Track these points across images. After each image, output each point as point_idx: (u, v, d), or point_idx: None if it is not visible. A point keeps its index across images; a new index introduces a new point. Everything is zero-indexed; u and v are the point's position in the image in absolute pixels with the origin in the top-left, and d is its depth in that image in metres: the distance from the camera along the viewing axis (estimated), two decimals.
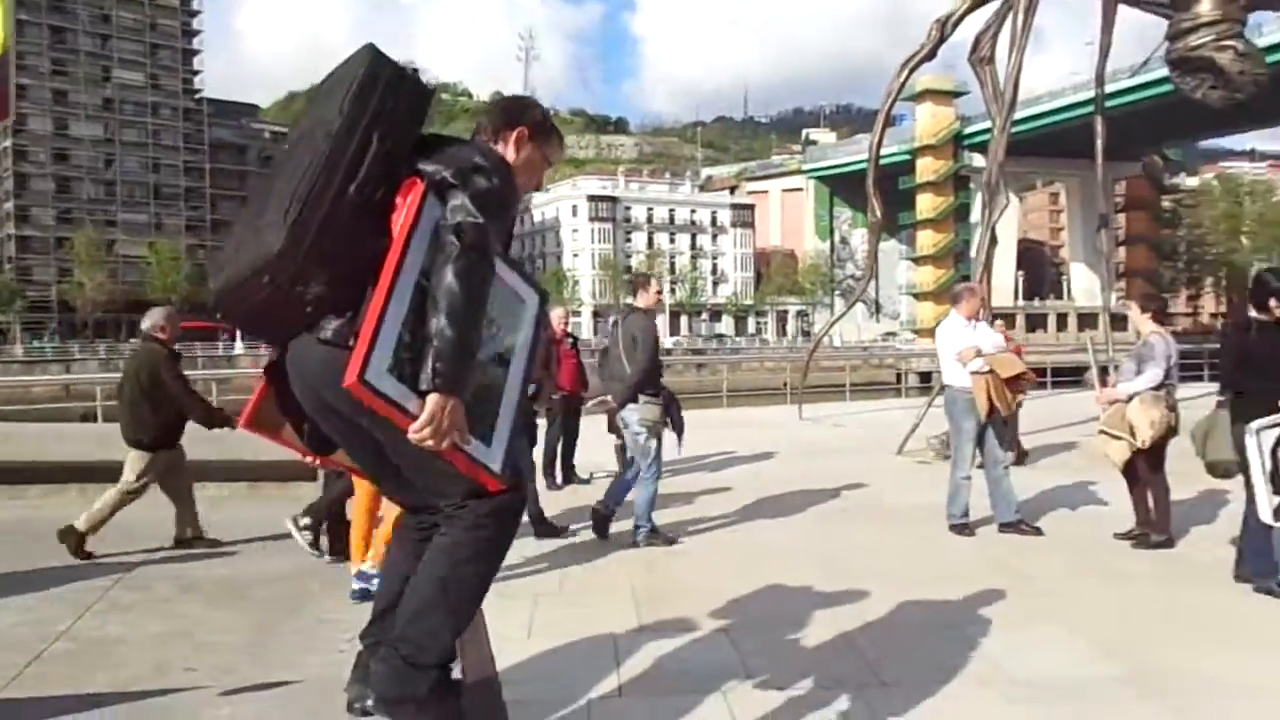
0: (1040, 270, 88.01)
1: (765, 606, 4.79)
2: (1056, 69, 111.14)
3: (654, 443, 6.27)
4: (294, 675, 3.84)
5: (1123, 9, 12.83)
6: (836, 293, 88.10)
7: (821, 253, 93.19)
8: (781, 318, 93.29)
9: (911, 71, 14.07)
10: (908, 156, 77.35)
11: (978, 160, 77.89)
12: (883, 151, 14.77)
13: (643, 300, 6.49)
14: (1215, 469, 5.45)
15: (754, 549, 6.13)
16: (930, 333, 66.63)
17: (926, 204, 77.96)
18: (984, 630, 4.39)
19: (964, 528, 6.46)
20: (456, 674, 2.45)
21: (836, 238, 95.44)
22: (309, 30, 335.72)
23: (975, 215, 79.38)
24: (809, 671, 3.83)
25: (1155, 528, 6.13)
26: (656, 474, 6.29)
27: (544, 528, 6.42)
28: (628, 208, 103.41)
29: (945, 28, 13.34)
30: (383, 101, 2.12)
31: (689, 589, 5.08)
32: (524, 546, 5.94)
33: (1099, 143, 16.01)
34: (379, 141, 2.09)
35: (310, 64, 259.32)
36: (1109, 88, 15.46)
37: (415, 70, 2.24)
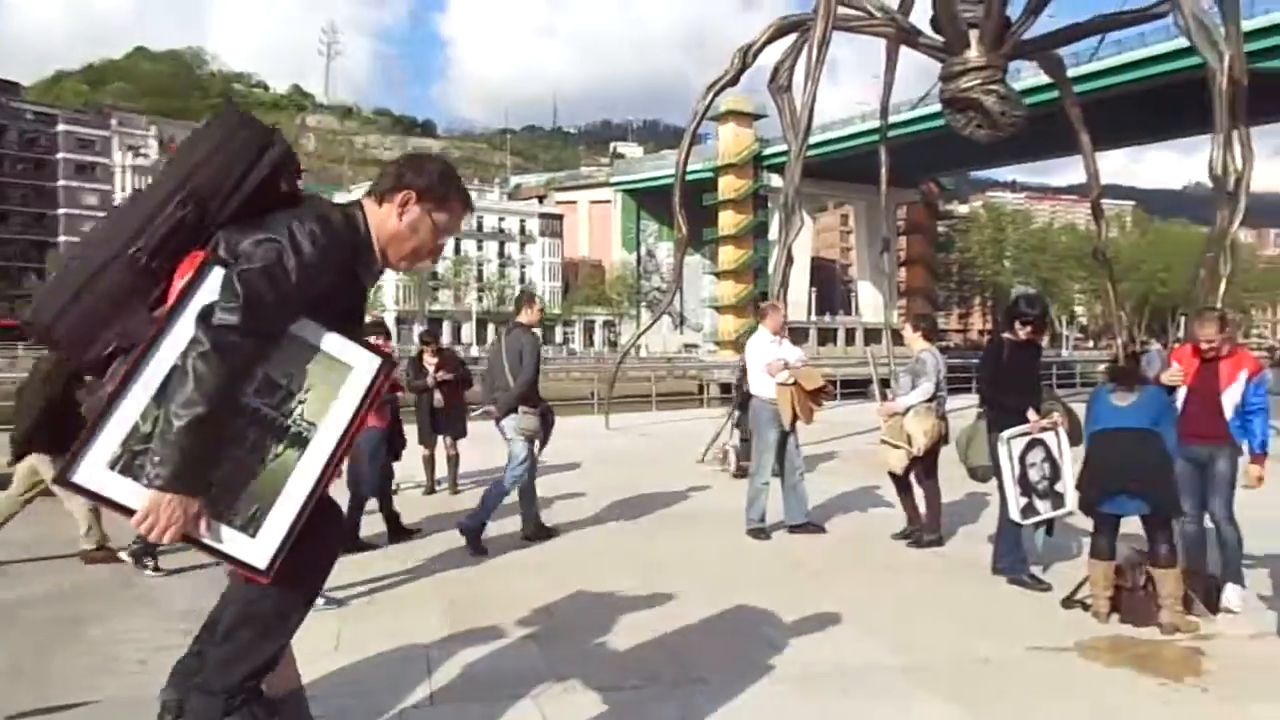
0: (832, 287, 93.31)
1: (576, 612, 4.91)
2: (846, 99, 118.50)
3: (524, 450, 6.55)
4: (90, 697, 3.63)
5: (905, 49, 13.95)
6: (643, 304, 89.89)
7: (628, 264, 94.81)
8: (589, 328, 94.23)
9: (716, 95, 14.71)
10: (711, 174, 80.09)
11: (775, 180, 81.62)
12: (688, 169, 15.39)
13: (525, 317, 6.80)
14: (975, 473, 6.04)
15: (563, 557, 6.24)
16: (731, 345, 68.75)
17: (728, 221, 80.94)
18: (780, 626, 4.69)
19: (760, 531, 6.83)
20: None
21: (643, 250, 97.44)
22: (82, 5, 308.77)
23: (774, 233, 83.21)
24: (619, 672, 3.98)
25: (927, 527, 6.71)
26: (521, 479, 6.58)
27: (355, 544, 6.28)
28: None
29: (747, 56, 14.03)
30: (200, 166, 2.02)
31: (500, 598, 5.12)
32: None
33: (884, 170, 17.26)
34: (179, 207, 1.99)
35: (83, 42, 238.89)
36: (892, 119, 16.79)
37: (265, 134, 2.11)
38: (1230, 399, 5.02)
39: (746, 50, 14.12)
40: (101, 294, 1.96)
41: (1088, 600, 4.97)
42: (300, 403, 2.00)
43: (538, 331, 6.92)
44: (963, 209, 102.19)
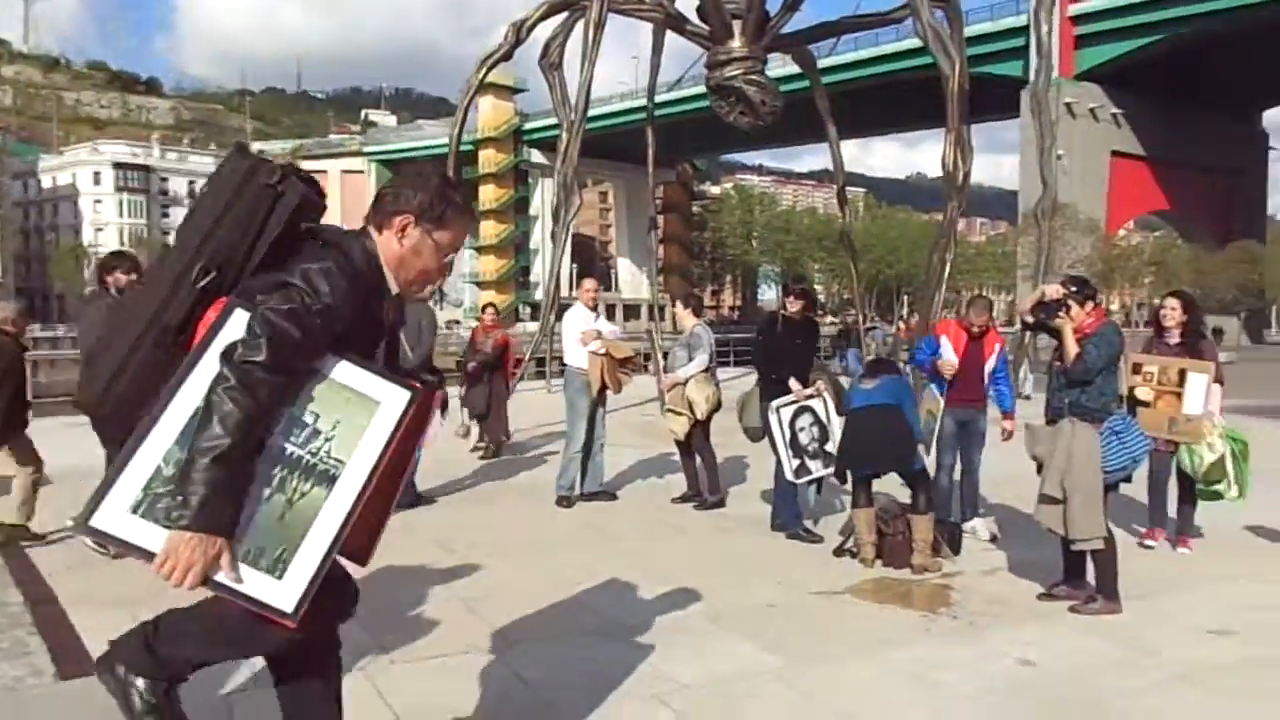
0: (592, 264, 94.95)
1: (390, 587, 4.90)
2: (606, 77, 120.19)
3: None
4: None
5: (670, 34, 14.51)
6: None
7: None
8: None
9: (490, 69, 14.67)
10: (471, 147, 79.01)
11: (536, 155, 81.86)
12: (445, 141, 15.23)
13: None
14: (750, 434, 6.60)
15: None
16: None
17: (489, 195, 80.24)
18: (588, 587, 4.95)
19: (566, 500, 7.07)
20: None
21: None
22: None
23: (535, 208, 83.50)
24: (442, 641, 4.08)
25: (709, 489, 7.21)
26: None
27: None
28: (164, 179, 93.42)
29: (520, 31, 14.09)
30: (214, 230, 1.98)
31: None
32: None
33: (650, 151, 17.88)
34: (201, 276, 1.96)
35: None
36: (641, 102, 17.47)
37: (275, 181, 2.01)
38: (988, 368, 5.90)
39: (520, 25, 14.18)
40: (139, 372, 1.94)
41: (854, 549, 5.58)
42: (328, 440, 1.95)
43: (432, 305, 6.99)
44: (715, 190, 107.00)
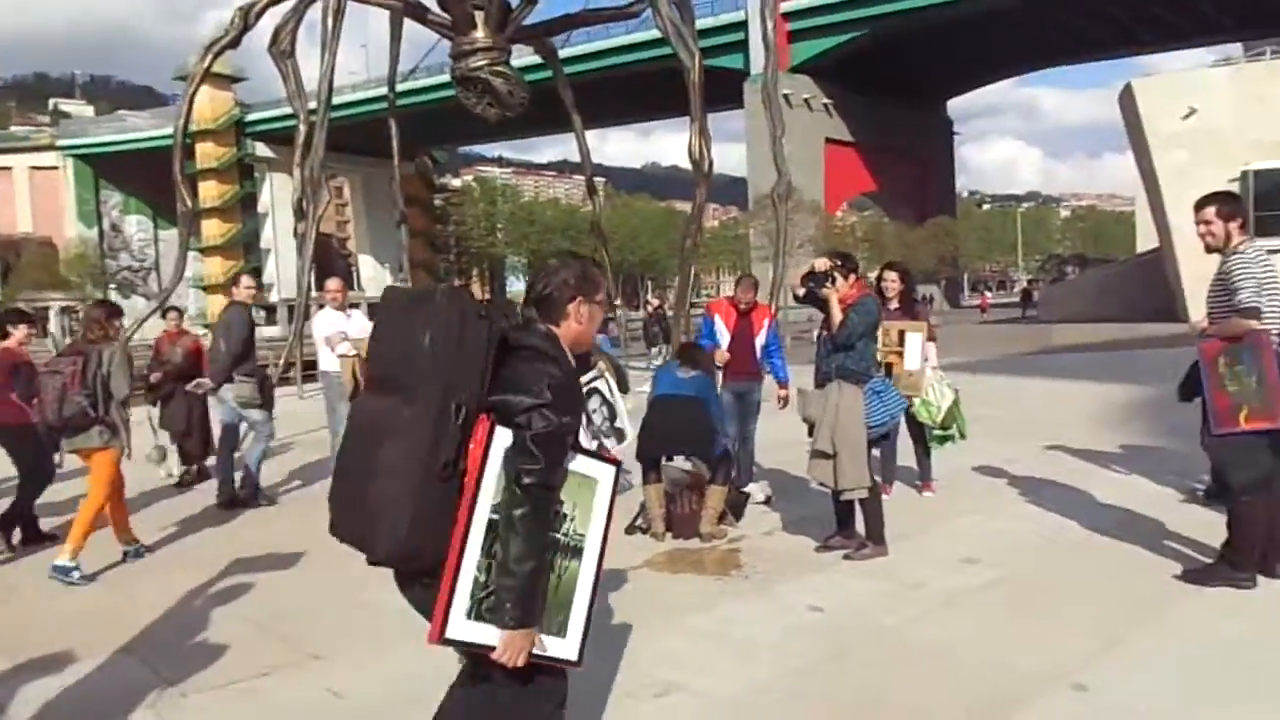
0: (330, 261, 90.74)
1: (166, 616, 4.54)
2: (337, 68, 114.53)
3: (257, 413, 7.18)
4: None
5: (409, 22, 14.17)
6: (111, 286, 79.48)
7: (89, 241, 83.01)
8: (41, 316, 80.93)
9: (216, 56, 13.54)
10: (186, 140, 73.14)
11: (261, 149, 77.05)
12: (157, 134, 14.02)
13: (236, 294, 7.72)
14: None
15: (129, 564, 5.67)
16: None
17: (211, 192, 74.45)
18: (385, 592, 4.79)
19: None
20: None
21: (106, 224, 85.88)
22: None
23: (264, 205, 78.58)
24: (234, 666, 3.84)
25: None
26: (269, 435, 7.32)
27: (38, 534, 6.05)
28: None
29: (249, 16, 13.16)
30: (456, 379, 2.19)
31: (67, 616, 4.56)
32: None
33: (395, 143, 17.33)
34: (455, 417, 2.18)
35: None
36: (380, 91, 16.90)
37: (483, 313, 2.24)
38: (759, 342, 6.25)
39: (248, 10, 13.17)
40: (430, 510, 2.17)
41: (643, 525, 5.78)
42: (571, 520, 2.32)
43: (251, 305, 7.52)
44: (456, 183, 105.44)
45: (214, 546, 5.93)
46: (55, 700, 3.57)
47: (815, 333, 5.41)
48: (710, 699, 3.44)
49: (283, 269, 78.65)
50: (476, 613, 2.20)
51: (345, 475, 2.45)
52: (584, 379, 6.16)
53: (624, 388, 6.41)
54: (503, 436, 2.19)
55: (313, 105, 12.92)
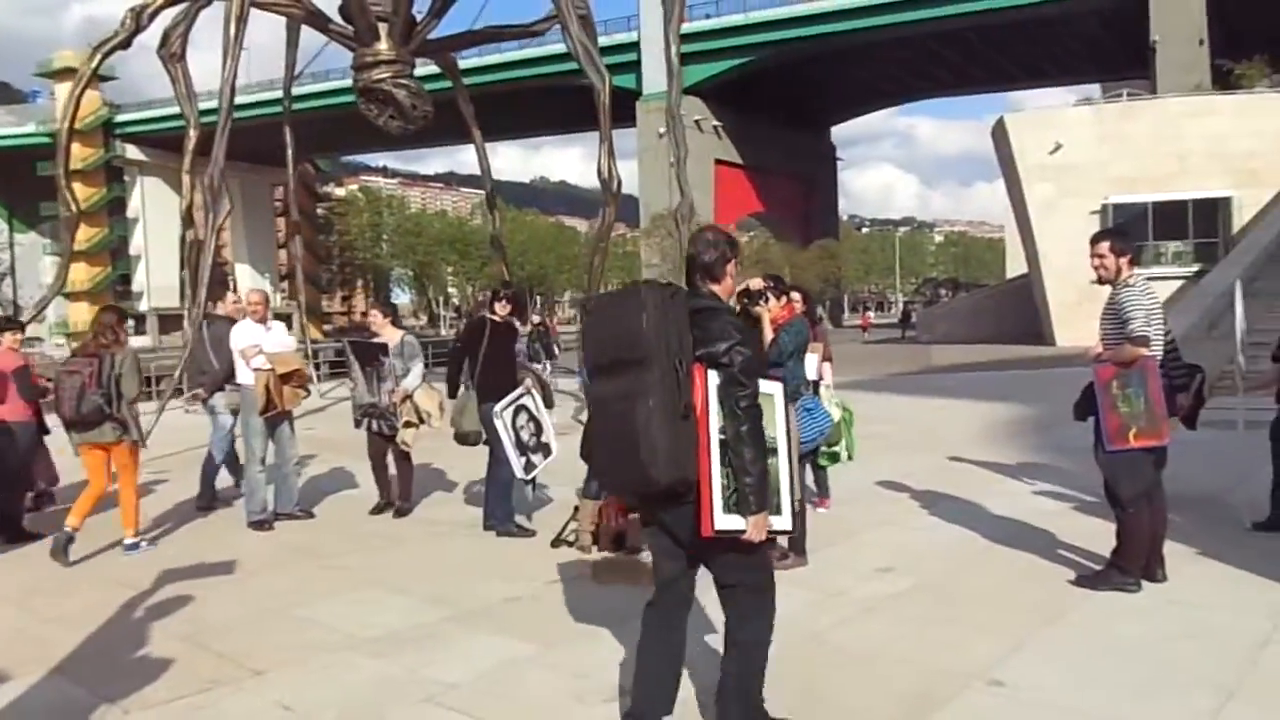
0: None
1: (95, 636, 4.42)
2: (208, 70, 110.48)
3: (230, 421, 7.50)
4: None
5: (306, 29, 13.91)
6: None
7: None
8: None
9: (105, 58, 13.11)
10: (47, 140, 69.11)
11: (133, 151, 73.59)
12: (16, 132, 13.31)
13: (222, 309, 8.19)
14: (466, 439, 6.63)
15: (61, 574, 5.45)
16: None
17: (77, 194, 70.85)
18: (319, 604, 4.80)
19: (261, 524, 6.63)
20: None
21: None
22: None
23: (133, 209, 74.96)
24: (175, 682, 3.80)
25: (402, 496, 7.16)
26: (227, 446, 7.62)
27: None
28: None
29: (141, 18, 12.75)
30: (674, 341, 2.87)
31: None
32: None
33: (290, 151, 17.00)
34: (681, 366, 2.86)
35: None
36: (261, 96, 16.47)
37: (675, 291, 2.98)
38: None
39: (140, 11, 12.79)
40: (680, 443, 2.87)
41: (570, 538, 5.89)
42: (767, 427, 3.02)
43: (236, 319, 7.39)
44: (340, 192, 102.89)
45: (134, 564, 5.75)
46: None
47: None
48: None
49: (154, 276, 75.26)
50: (725, 508, 2.89)
51: (607, 439, 3.03)
52: (511, 395, 6.27)
53: (549, 403, 6.52)
54: (714, 377, 2.91)
55: (206, 107, 12.61)
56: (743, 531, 2.90)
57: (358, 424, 7.08)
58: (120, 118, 72.64)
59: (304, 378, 7.09)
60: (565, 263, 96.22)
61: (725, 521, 2.90)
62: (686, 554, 3.11)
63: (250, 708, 3.58)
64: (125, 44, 13.27)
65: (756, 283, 5.09)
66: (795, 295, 6.67)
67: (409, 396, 6.90)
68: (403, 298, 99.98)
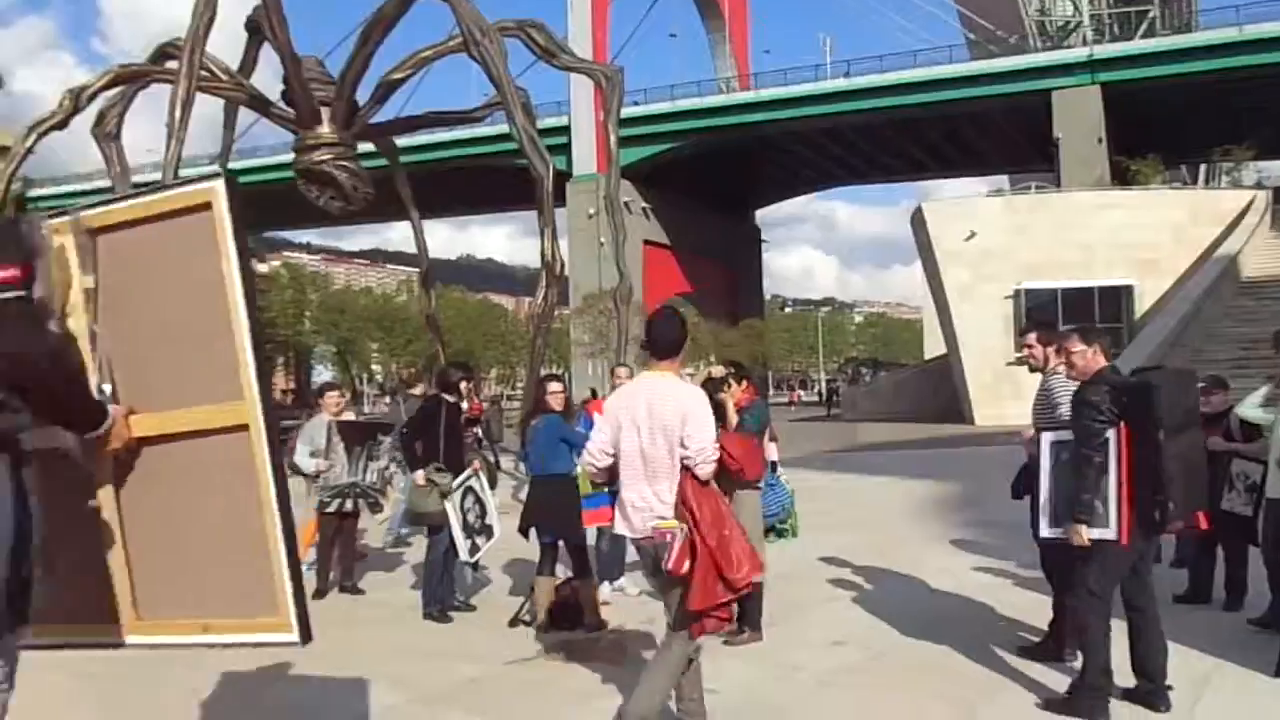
0: None
1: None
2: (137, 147, 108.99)
3: None
4: None
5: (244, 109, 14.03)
6: None
7: None
8: None
9: (40, 137, 13.03)
10: None
11: None
12: None
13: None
14: (423, 519, 6.62)
15: None
16: None
17: None
18: (276, 684, 4.75)
19: None
20: None
21: None
22: None
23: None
24: None
25: (346, 576, 7.12)
26: None
27: None
28: None
29: (80, 99, 12.74)
30: None
31: None
32: None
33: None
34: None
35: None
36: (190, 171, 16.32)
37: None
38: None
39: (79, 93, 12.78)
40: None
41: (526, 617, 5.93)
42: None
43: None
44: (262, 268, 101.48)
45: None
46: None
47: None
48: None
49: None
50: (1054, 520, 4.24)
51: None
52: (461, 477, 6.34)
53: (493, 483, 6.63)
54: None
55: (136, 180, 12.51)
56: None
57: (323, 506, 7.04)
58: (33, 192, 70.95)
59: None
60: (492, 340, 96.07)
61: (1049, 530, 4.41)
62: None
63: None
64: (62, 125, 13.18)
65: (718, 370, 5.32)
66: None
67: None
68: (325, 374, 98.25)
